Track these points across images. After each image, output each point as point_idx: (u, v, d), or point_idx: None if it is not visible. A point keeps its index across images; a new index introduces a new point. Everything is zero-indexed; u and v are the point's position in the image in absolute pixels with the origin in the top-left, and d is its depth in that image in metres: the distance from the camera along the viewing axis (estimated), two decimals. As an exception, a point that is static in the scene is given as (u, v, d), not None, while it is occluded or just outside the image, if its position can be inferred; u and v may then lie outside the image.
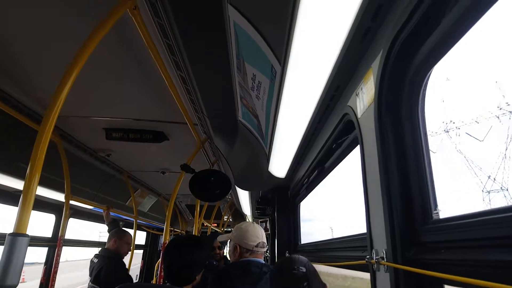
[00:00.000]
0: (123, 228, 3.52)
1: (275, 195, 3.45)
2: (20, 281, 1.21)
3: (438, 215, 0.79)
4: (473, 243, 0.63)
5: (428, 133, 0.86)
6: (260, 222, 4.74)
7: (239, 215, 9.04)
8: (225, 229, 10.25)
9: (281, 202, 3.35)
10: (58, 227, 3.74)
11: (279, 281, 1.30)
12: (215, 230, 9.25)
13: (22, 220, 1.22)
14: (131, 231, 4.83)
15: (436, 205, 0.81)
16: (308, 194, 2.68)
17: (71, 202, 3.51)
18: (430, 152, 0.85)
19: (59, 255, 3.52)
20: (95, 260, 3.00)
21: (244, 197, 4.93)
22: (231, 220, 10.08)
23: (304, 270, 1.23)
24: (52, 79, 1.49)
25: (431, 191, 0.83)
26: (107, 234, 3.43)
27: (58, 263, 3.54)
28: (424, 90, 0.85)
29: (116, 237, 3.15)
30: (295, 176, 2.80)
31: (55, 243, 3.65)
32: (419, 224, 0.83)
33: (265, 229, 4.52)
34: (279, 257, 3.18)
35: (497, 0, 0.60)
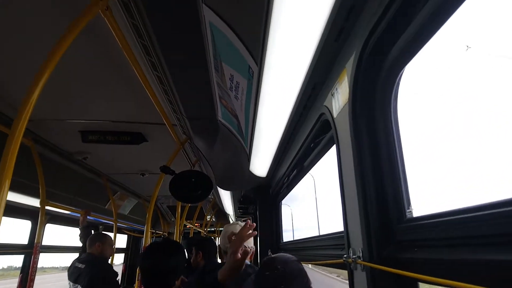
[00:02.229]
0: (102, 232, 3.45)
1: (257, 194, 3.45)
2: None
3: (411, 213, 0.81)
4: (444, 242, 0.65)
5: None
6: (243, 220, 4.74)
7: (222, 215, 9.01)
8: (208, 229, 10.19)
9: (263, 201, 3.36)
10: (34, 234, 3.61)
11: (258, 282, 1.27)
12: (198, 231, 9.18)
13: None
14: (111, 235, 4.74)
15: (409, 204, 0.83)
16: (289, 192, 2.69)
17: (48, 207, 3.40)
18: (403, 151, 0.87)
19: (35, 263, 3.41)
20: (81, 266, 2.92)
21: (226, 196, 4.91)
22: (214, 219, 10.03)
23: (283, 269, 1.20)
24: (24, 83, 1.44)
25: (404, 190, 0.84)
26: None
27: (35, 271, 3.43)
28: (397, 90, 0.86)
29: (98, 241, 3.09)
30: (276, 175, 2.81)
31: (31, 250, 3.53)
32: (394, 223, 0.85)
33: (248, 228, 4.51)
34: (262, 256, 3.19)
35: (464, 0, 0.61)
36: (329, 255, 1.44)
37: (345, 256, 1.03)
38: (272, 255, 1.65)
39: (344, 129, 1.05)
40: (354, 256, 0.95)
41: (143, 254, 1.67)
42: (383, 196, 0.89)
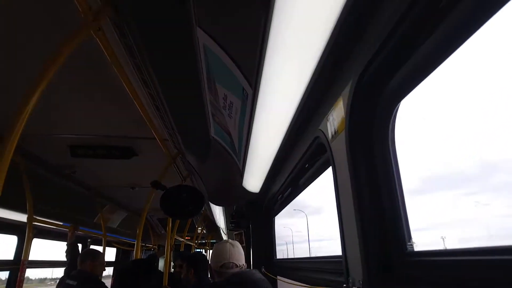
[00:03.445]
0: (94, 249, 3.36)
1: (250, 209, 3.42)
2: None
3: (412, 247, 0.80)
4: (448, 283, 0.64)
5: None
6: (235, 234, 4.68)
7: (213, 227, 8.90)
8: (199, 241, 10.05)
9: (256, 216, 3.33)
10: (21, 249, 3.50)
11: None
12: (189, 244, 9.04)
13: None
14: (100, 248, 4.61)
15: (410, 237, 0.82)
16: (283, 208, 2.67)
17: (35, 223, 3.31)
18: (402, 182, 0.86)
19: (22, 281, 3.29)
20: (72, 283, 2.83)
21: (218, 210, 4.86)
22: (205, 232, 9.90)
23: None
24: (15, 101, 1.42)
25: (405, 223, 0.84)
26: None
27: (21, 289, 3.31)
28: (394, 121, 0.86)
29: (90, 259, 3.00)
30: (269, 191, 2.79)
31: (17, 266, 3.41)
32: (395, 255, 0.84)
33: (241, 242, 4.46)
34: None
35: (467, 39, 0.61)
36: (327, 280, 1.42)
37: (344, 286, 1.01)
38: (235, 273, 1.59)
39: (340, 155, 1.05)
40: (354, 288, 0.94)
41: (117, 279, 1.65)
42: (382, 226, 0.88)
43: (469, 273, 0.58)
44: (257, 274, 1.37)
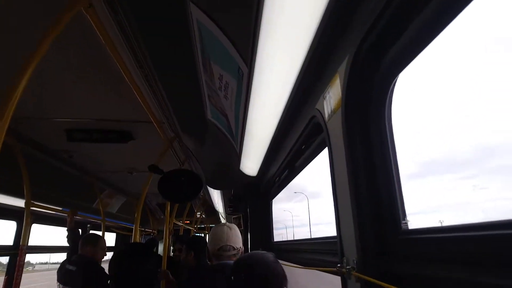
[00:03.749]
0: (95, 233, 3.38)
1: (247, 192, 3.42)
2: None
3: (407, 225, 0.79)
4: (444, 260, 0.63)
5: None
6: (234, 218, 4.71)
7: (212, 212, 8.96)
8: (198, 226, 10.14)
9: (253, 199, 3.33)
10: (20, 235, 3.51)
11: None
12: (188, 229, 9.12)
13: None
14: (99, 233, 4.65)
15: (404, 215, 0.81)
16: (280, 191, 2.67)
17: (33, 208, 3.31)
18: (398, 160, 0.85)
19: (21, 266, 3.31)
20: (72, 268, 2.85)
21: (216, 194, 4.87)
22: (204, 216, 9.97)
23: (265, 274, 1.16)
24: (6, 81, 1.37)
25: (400, 201, 0.82)
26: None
27: (21, 274, 3.34)
28: (391, 96, 0.84)
29: (91, 244, 3.02)
30: (266, 174, 2.78)
31: (16, 252, 3.43)
32: (389, 234, 0.83)
33: (239, 225, 4.49)
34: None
35: (462, 10, 0.58)
36: (322, 261, 1.42)
37: (338, 265, 1.01)
38: (247, 254, 1.40)
39: (336, 134, 1.03)
40: (348, 267, 0.93)
41: (113, 262, 1.62)
42: (377, 205, 0.87)
43: (464, 248, 0.57)
44: (271, 257, 1.24)
